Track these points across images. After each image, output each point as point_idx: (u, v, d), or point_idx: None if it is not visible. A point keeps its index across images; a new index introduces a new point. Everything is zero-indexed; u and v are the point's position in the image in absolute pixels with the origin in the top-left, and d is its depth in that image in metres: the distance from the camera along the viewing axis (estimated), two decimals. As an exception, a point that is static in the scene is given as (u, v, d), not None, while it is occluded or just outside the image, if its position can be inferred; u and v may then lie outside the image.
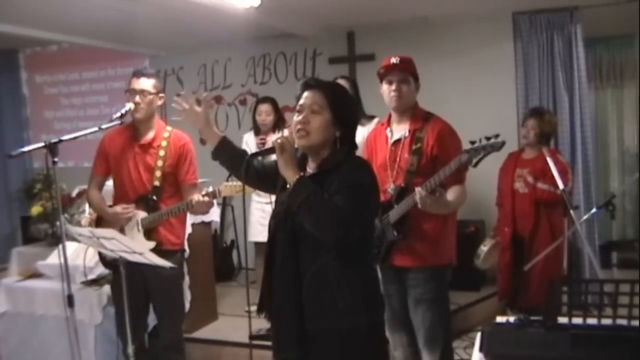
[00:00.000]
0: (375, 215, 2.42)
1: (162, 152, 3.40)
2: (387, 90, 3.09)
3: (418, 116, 3.09)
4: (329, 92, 2.26)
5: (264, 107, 4.84)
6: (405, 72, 3.06)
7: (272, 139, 4.70)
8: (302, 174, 2.20)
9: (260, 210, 4.76)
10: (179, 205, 3.32)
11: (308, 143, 2.24)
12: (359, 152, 4.07)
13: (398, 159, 3.07)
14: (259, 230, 4.75)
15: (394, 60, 3.06)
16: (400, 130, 3.12)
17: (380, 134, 3.23)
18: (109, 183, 3.58)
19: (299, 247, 2.21)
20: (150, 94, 3.36)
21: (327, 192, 2.16)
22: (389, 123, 3.20)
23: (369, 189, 2.24)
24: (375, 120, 4.26)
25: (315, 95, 2.24)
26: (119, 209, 3.35)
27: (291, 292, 2.21)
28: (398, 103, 3.07)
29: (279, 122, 4.92)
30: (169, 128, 3.51)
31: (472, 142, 2.68)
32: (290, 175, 2.19)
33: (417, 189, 2.81)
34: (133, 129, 3.44)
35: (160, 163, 3.39)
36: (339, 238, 2.11)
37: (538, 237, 4.23)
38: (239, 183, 3.03)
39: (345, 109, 2.28)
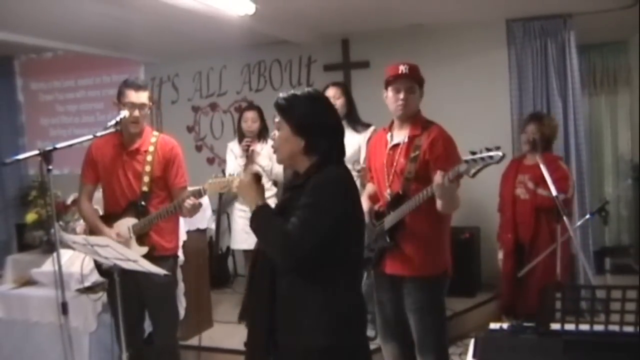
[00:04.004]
0: (347, 230, 2.22)
1: (149, 158, 3.40)
2: (392, 98, 3.08)
3: (418, 123, 3.10)
4: (282, 105, 2.25)
5: (250, 115, 4.86)
6: (412, 81, 3.06)
7: (257, 147, 4.74)
8: (259, 203, 2.23)
9: (243, 218, 4.75)
10: (167, 208, 3.30)
11: (278, 159, 2.34)
12: (354, 158, 4.16)
13: (395, 164, 3.08)
14: (243, 237, 4.76)
15: (402, 68, 3.04)
16: (400, 135, 3.14)
17: (381, 139, 3.24)
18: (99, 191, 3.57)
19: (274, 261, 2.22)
20: (147, 106, 3.39)
21: (292, 208, 2.17)
22: (390, 128, 3.21)
23: (330, 205, 2.13)
24: (372, 129, 4.27)
25: (277, 112, 2.27)
26: (113, 235, 3.32)
27: (263, 305, 2.23)
28: (404, 111, 3.08)
29: (264, 130, 4.93)
30: (155, 133, 3.51)
31: (473, 152, 2.63)
32: (250, 206, 2.26)
33: (438, 176, 2.72)
34: (120, 137, 3.42)
35: (148, 168, 3.39)
36: (290, 266, 2.15)
37: (538, 243, 4.20)
38: (224, 179, 3.04)
39: (297, 115, 2.22)
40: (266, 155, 4.71)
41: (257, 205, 2.23)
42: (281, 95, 2.28)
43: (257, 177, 2.32)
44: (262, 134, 4.92)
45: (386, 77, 3.10)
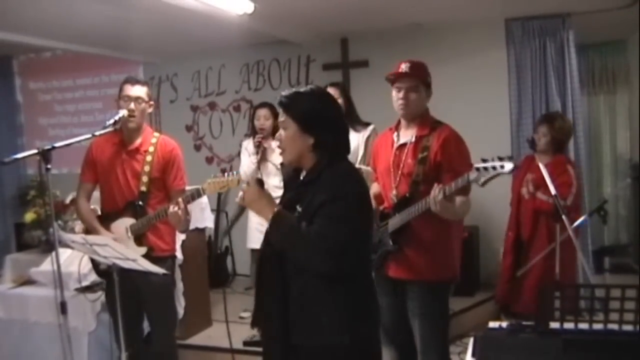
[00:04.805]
0: (370, 224, 2.33)
1: (149, 157, 3.39)
2: (395, 97, 3.02)
3: (426, 123, 3.02)
4: (286, 103, 2.23)
5: (263, 112, 4.84)
6: (414, 80, 2.98)
7: (272, 143, 4.72)
8: (275, 210, 2.16)
9: (257, 217, 4.74)
10: (158, 211, 3.28)
11: (286, 159, 2.29)
12: (353, 158, 4.15)
13: (401, 164, 3.00)
14: (256, 237, 4.70)
15: (403, 67, 2.98)
16: (407, 135, 3.05)
17: (387, 139, 3.17)
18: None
19: (285, 262, 2.18)
20: (144, 101, 3.37)
21: (310, 205, 2.13)
22: (397, 128, 3.13)
23: (355, 199, 2.15)
24: (371, 127, 4.25)
25: (282, 111, 2.26)
26: (110, 235, 3.31)
27: (278, 307, 2.19)
28: (405, 111, 3.01)
29: (277, 128, 4.90)
30: (156, 134, 3.50)
31: (484, 160, 2.58)
32: (265, 217, 2.19)
33: (434, 189, 2.68)
34: (121, 136, 3.41)
35: (147, 168, 3.37)
36: (333, 268, 2.10)
37: (535, 244, 4.19)
38: (223, 179, 2.98)
39: (304, 112, 2.21)
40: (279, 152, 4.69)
41: (273, 213, 2.15)
42: (283, 93, 2.25)
43: (260, 182, 2.28)
44: (275, 131, 4.90)
45: (387, 76, 3.04)
